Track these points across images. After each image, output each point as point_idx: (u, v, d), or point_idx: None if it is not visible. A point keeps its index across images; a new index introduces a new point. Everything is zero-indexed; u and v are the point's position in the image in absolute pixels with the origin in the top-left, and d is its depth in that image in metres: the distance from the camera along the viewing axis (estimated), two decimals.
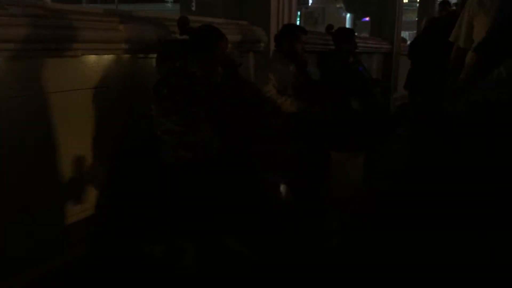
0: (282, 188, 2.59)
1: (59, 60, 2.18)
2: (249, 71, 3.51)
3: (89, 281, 2.15)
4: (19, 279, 2.06)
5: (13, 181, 2.04)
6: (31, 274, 2.11)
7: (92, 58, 2.37)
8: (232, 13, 3.80)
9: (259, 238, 2.43)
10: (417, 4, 12.30)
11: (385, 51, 6.85)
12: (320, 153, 3.08)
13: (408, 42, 11.29)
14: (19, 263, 2.08)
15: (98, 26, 2.34)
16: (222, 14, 3.70)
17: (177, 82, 2.29)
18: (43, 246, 2.18)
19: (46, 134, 2.17)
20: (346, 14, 19.66)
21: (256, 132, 2.54)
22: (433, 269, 2.30)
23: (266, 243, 2.42)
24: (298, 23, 9.06)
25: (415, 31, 12.22)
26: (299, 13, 14.56)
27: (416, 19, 11.50)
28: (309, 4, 17.77)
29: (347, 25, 16.94)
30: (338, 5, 17.91)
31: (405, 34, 11.72)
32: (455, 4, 5.05)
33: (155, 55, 2.56)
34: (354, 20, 19.08)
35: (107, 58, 2.46)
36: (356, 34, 4.46)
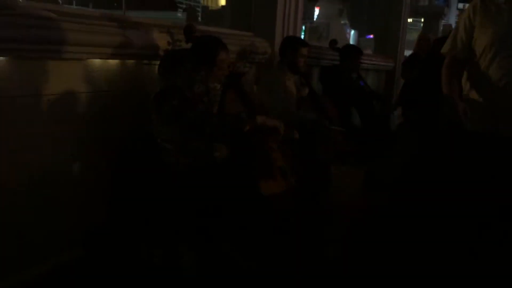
0: (282, 195, 2.59)
1: (64, 63, 2.20)
2: (252, 82, 3.53)
3: (87, 283, 2.14)
4: (16, 279, 2.05)
5: (13, 181, 2.04)
6: (28, 275, 2.10)
7: (96, 62, 2.38)
8: (238, 24, 3.84)
9: (258, 246, 2.43)
10: (421, 24, 12.40)
11: (388, 68, 6.89)
12: (321, 164, 3.08)
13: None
14: (16, 263, 2.07)
15: (104, 30, 2.36)
16: (228, 24, 3.73)
17: (177, 104, 2.27)
18: (41, 247, 2.17)
19: (48, 135, 2.17)
20: (350, 31, 19.80)
21: (257, 140, 2.54)
22: (433, 279, 2.29)
23: (265, 251, 2.42)
24: (302, 37, 9.12)
25: None
26: (304, 27, 14.66)
27: None
28: (314, 19, 17.91)
29: (351, 42, 17.06)
30: (343, 21, 18.04)
31: (408, 52, 11.79)
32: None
33: (158, 64, 2.58)
34: (358, 36, 19.21)
35: (112, 63, 2.47)
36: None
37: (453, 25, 10.50)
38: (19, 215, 2.08)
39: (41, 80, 2.11)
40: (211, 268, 2.27)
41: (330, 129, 3.28)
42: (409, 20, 9.87)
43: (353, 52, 4.18)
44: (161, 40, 2.63)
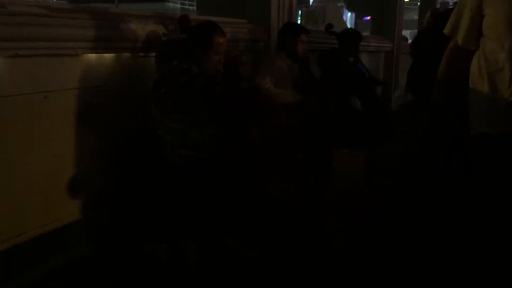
0: (285, 188, 2.59)
1: (59, 59, 2.18)
2: (249, 70, 3.51)
3: (92, 280, 2.16)
4: (22, 278, 2.06)
5: (13, 180, 2.04)
6: (34, 273, 2.11)
7: (92, 56, 2.36)
8: (233, 12, 3.80)
9: (261, 238, 2.43)
10: (418, 3, 12.28)
11: (386, 49, 6.84)
12: (322, 152, 3.08)
13: (409, 41, 11.27)
14: (21, 262, 2.08)
15: (98, 24, 2.34)
16: (223, 13, 3.70)
17: (175, 80, 2.28)
18: (46, 245, 2.18)
19: (45, 132, 2.16)
20: (347, 13, 19.65)
21: (258, 131, 2.53)
22: (436, 271, 2.29)
23: (268, 243, 2.42)
24: (299, 22, 9.04)
25: (416, 30, 12.20)
26: (299, 12, 14.55)
27: (417, 17, 11.48)
28: (310, 3, 17.76)
29: (348, 24, 16.92)
30: (339, 4, 17.89)
31: (406, 33, 11.69)
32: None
33: (155, 54, 2.56)
34: (355, 19, 19.07)
35: (108, 57, 2.46)
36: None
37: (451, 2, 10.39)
38: (20, 214, 2.08)
39: (36, 78, 2.09)
40: (215, 260, 2.28)
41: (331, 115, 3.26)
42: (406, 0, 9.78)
43: (353, 36, 4.15)
44: (156, 32, 2.61)
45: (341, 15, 17.26)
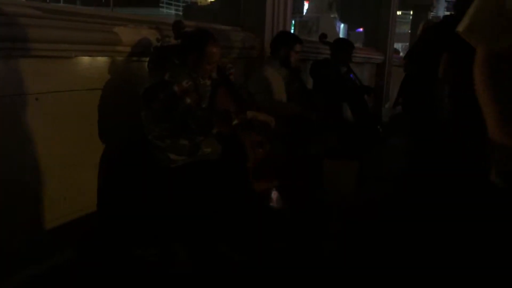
0: (276, 193, 2.59)
1: (52, 61, 2.17)
2: (242, 78, 3.52)
3: (80, 284, 2.13)
4: (8, 282, 2.03)
5: (4, 182, 2.02)
6: (20, 277, 2.08)
7: (85, 59, 2.36)
8: (227, 20, 3.82)
9: (252, 242, 2.43)
10: (410, 17, 12.45)
11: (378, 61, 6.91)
12: (313, 159, 3.09)
13: (401, 54, 11.40)
14: (7, 265, 2.05)
15: (93, 28, 2.34)
16: (218, 20, 3.72)
17: (165, 99, 2.25)
18: (33, 248, 2.15)
19: (38, 134, 2.15)
20: (340, 24, 19.79)
21: (249, 137, 2.53)
22: (429, 273, 2.30)
23: (260, 247, 2.42)
24: (292, 31, 9.09)
25: (407, 43, 12.33)
26: (293, 22, 14.63)
27: (409, 31, 11.62)
28: (304, 14, 17.88)
29: (341, 35, 17.05)
30: (332, 15, 18.03)
31: (398, 45, 11.83)
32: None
33: (148, 60, 2.56)
34: (348, 30, 19.21)
35: (101, 60, 2.45)
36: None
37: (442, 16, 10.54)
38: (7, 217, 2.06)
39: (28, 79, 2.08)
40: (205, 264, 2.27)
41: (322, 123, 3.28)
42: (398, 12, 9.89)
43: (345, 45, 4.19)
44: (150, 37, 2.61)
45: (334, 26, 17.40)
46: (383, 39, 6.96)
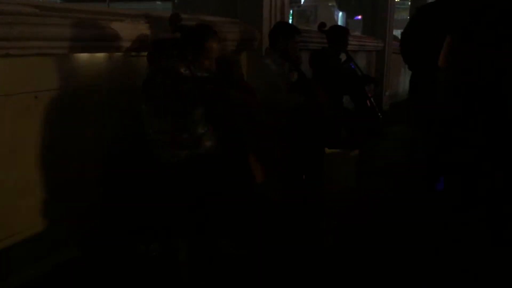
0: (276, 186, 2.59)
1: (50, 58, 2.17)
2: (242, 70, 3.51)
3: (84, 281, 2.14)
4: (15, 279, 2.04)
5: (5, 181, 2.02)
6: (26, 274, 2.09)
7: (83, 56, 2.35)
8: (225, 11, 3.79)
9: (253, 236, 2.43)
10: (409, 2, 12.36)
11: (377, 49, 6.87)
12: (314, 150, 3.09)
13: None
14: (14, 263, 2.06)
15: (90, 24, 2.33)
16: (215, 12, 3.69)
17: (164, 82, 2.26)
18: (37, 246, 2.16)
19: (37, 133, 2.15)
20: (338, 13, 19.67)
21: (250, 130, 2.53)
22: (428, 267, 2.30)
23: (260, 241, 2.43)
24: (290, 21, 9.04)
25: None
26: (291, 11, 14.55)
27: (408, 17, 11.53)
28: (301, 3, 17.77)
29: (339, 23, 16.96)
30: (330, 4, 17.92)
31: (397, 32, 11.76)
32: None
33: (147, 54, 2.55)
34: (346, 18, 19.09)
35: (99, 56, 2.44)
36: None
37: None
38: (13, 215, 2.06)
39: (27, 77, 2.08)
40: (206, 260, 2.28)
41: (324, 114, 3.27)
42: None
43: (339, 32, 4.15)
44: (148, 31, 2.60)
45: (332, 15, 17.30)
46: (381, 26, 6.92)
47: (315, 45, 4.39)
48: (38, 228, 2.18)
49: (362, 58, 6.31)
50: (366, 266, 2.34)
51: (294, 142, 2.87)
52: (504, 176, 1.93)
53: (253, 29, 3.61)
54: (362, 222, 2.83)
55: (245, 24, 3.61)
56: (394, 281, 2.23)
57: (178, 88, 2.25)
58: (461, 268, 2.23)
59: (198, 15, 3.22)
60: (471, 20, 1.76)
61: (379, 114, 4.27)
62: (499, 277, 2.09)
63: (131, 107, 2.50)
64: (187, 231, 2.32)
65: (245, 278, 2.20)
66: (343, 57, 4.23)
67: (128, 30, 2.50)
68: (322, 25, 4.27)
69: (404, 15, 15.42)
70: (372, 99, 4.27)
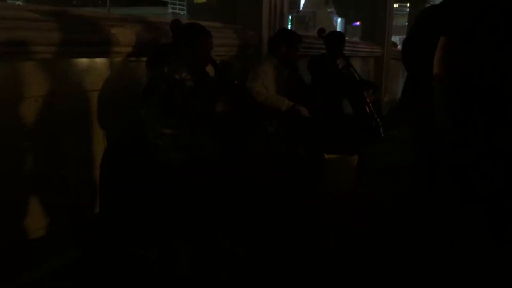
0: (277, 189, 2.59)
1: (50, 63, 2.17)
2: (241, 74, 3.52)
3: (83, 284, 2.14)
4: (13, 281, 2.04)
5: (5, 184, 2.02)
6: (24, 277, 2.08)
7: (83, 61, 2.36)
8: (224, 17, 3.81)
9: (254, 238, 2.44)
10: (407, 9, 12.43)
11: (376, 55, 6.90)
12: (313, 154, 3.09)
13: (399, 47, 11.33)
14: (12, 265, 2.05)
15: (90, 29, 2.34)
16: (214, 17, 3.71)
17: (165, 89, 2.28)
18: (36, 248, 2.16)
19: (38, 137, 2.15)
20: (337, 18, 19.76)
21: (250, 133, 2.54)
22: (429, 268, 2.30)
23: (261, 243, 2.43)
24: (289, 27, 9.08)
25: (405, 36, 12.31)
26: (290, 17, 14.60)
27: (407, 23, 11.60)
28: (300, 9, 17.84)
29: (338, 29, 17.03)
30: (329, 10, 18.00)
31: (395, 38, 11.82)
32: None
33: (146, 59, 2.56)
34: (345, 24, 19.17)
35: (99, 61, 2.45)
36: (347, 38, 4.47)
37: None
38: (9, 218, 2.06)
39: (28, 82, 2.08)
40: (206, 261, 2.28)
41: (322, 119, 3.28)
42: (395, 5, 9.88)
43: (336, 37, 4.18)
44: (147, 37, 2.61)
45: (331, 21, 17.38)
46: (380, 33, 6.94)
47: (314, 51, 4.41)
48: (37, 231, 2.18)
49: (360, 63, 6.33)
50: (366, 268, 2.34)
51: (293, 145, 2.88)
52: (504, 176, 1.90)
53: (253, 34, 3.62)
54: (363, 224, 2.83)
55: (244, 29, 3.62)
56: (394, 282, 2.23)
57: (176, 93, 2.27)
58: (462, 268, 2.23)
59: (198, 21, 3.23)
60: (472, 21, 1.68)
61: (378, 119, 4.28)
62: (500, 276, 2.09)
63: (131, 111, 2.51)
64: (187, 234, 2.32)
65: (245, 279, 2.20)
66: (341, 62, 4.25)
67: (128, 35, 2.51)
68: (321, 31, 4.29)
69: (402, 21, 15.51)
70: (370, 104, 4.28)
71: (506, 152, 1.80)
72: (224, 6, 3.97)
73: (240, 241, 2.39)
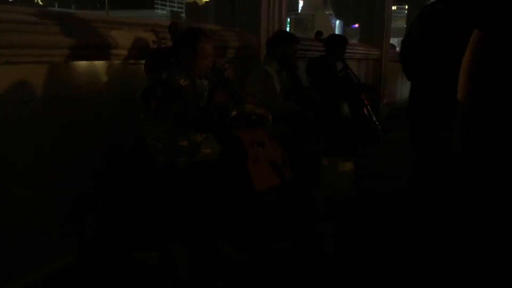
0: (275, 193, 2.59)
1: (49, 66, 2.18)
2: (240, 77, 3.53)
3: None
4: (9, 286, 2.04)
5: (2, 185, 2.02)
6: (21, 281, 2.08)
7: (82, 64, 2.36)
8: (223, 20, 3.83)
9: (252, 241, 2.44)
10: (406, 11, 12.45)
11: (374, 57, 6.91)
12: (311, 157, 3.10)
13: (397, 49, 11.32)
14: (8, 269, 2.05)
15: (88, 32, 2.34)
16: (213, 20, 3.72)
17: (162, 96, 2.27)
18: (34, 252, 2.16)
19: (37, 140, 2.15)
20: (335, 21, 19.82)
21: (247, 136, 2.54)
22: (427, 271, 2.31)
23: (259, 247, 2.43)
24: (288, 29, 9.10)
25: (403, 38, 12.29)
26: (289, 19, 14.64)
27: (405, 25, 11.62)
28: (299, 11, 17.89)
29: (337, 31, 17.07)
30: (327, 12, 18.05)
31: (394, 40, 11.84)
32: None
33: (144, 62, 2.56)
34: (343, 26, 19.23)
35: (98, 64, 2.45)
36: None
37: None
38: (11, 221, 2.06)
39: (26, 85, 2.09)
40: (205, 265, 2.28)
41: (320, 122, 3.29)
42: (393, 7, 9.89)
43: (339, 41, 4.20)
44: (146, 39, 2.62)
45: (329, 23, 17.43)
46: (378, 35, 6.96)
47: (312, 53, 4.42)
48: (35, 233, 2.17)
49: (359, 66, 6.35)
50: (364, 272, 2.34)
51: (290, 148, 2.88)
52: None
53: (251, 37, 3.63)
54: (361, 226, 2.83)
55: (243, 32, 3.63)
56: (392, 285, 2.23)
57: (174, 100, 2.27)
58: (463, 269, 2.23)
59: (197, 23, 3.24)
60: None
61: (376, 122, 4.30)
62: None
63: (129, 114, 2.51)
64: (185, 238, 2.32)
65: (244, 282, 2.20)
66: (339, 65, 4.27)
67: (127, 38, 2.52)
68: (318, 33, 4.31)
69: (401, 24, 15.53)
70: (369, 107, 4.30)
71: None
72: (222, 8, 3.98)
73: (238, 245, 2.40)
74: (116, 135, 2.54)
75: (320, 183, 3.11)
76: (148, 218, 2.34)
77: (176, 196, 2.29)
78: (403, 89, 8.38)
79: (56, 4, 23.44)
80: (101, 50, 2.41)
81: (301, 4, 18.15)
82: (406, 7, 11.91)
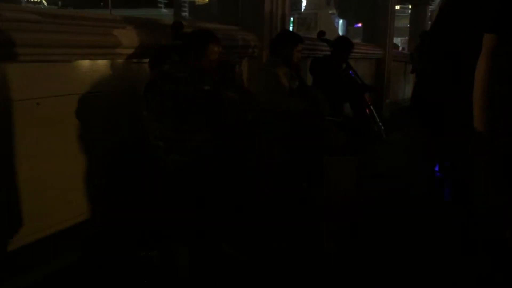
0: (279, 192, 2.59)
1: (52, 65, 2.18)
2: (243, 76, 3.53)
3: (84, 287, 2.14)
4: (13, 284, 2.05)
5: (6, 186, 2.03)
6: (25, 280, 2.09)
7: (85, 63, 2.36)
8: (226, 19, 3.82)
9: (254, 241, 2.44)
10: (409, 11, 12.43)
11: (377, 57, 6.90)
12: (314, 157, 3.10)
13: (400, 49, 11.33)
14: (11, 268, 2.06)
15: (92, 31, 2.34)
16: (216, 19, 3.72)
17: (164, 86, 2.29)
18: (37, 251, 2.16)
19: (40, 138, 2.16)
20: (339, 20, 19.80)
21: (251, 135, 2.54)
22: (427, 271, 2.30)
23: (261, 247, 2.43)
24: (291, 29, 9.10)
25: (406, 38, 12.30)
26: (292, 19, 14.62)
27: (408, 25, 11.60)
28: (302, 10, 17.87)
29: (340, 31, 17.06)
30: (331, 11, 18.02)
31: (397, 40, 11.82)
32: None
33: (148, 60, 2.57)
34: (347, 26, 19.22)
35: (101, 63, 2.46)
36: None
37: None
38: (11, 220, 2.07)
39: (30, 84, 2.09)
40: (207, 264, 2.28)
41: (324, 120, 3.29)
42: (397, 7, 9.88)
43: (346, 44, 4.20)
44: (149, 38, 2.62)
45: (332, 22, 17.40)
46: (382, 34, 6.95)
47: (316, 52, 4.42)
48: (37, 233, 2.18)
49: (362, 65, 6.33)
50: (365, 271, 2.34)
51: (294, 147, 2.88)
52: None
53: (254, 36, 3.63)
54: (362, 226, 2.83)
55: (246, 31, 3.63)
56: (393, 284, 2.23)
57: (176, 90, 2.27)
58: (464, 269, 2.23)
59: (200, 22, 3.24)
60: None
61: (379, 121, 4.29)
62: None
63: (132, 113, 2.51)
64: (187, 237, 2.32)
65: (244, 282, 2.20)
66: (342, 65, 4.26)
67: (130, 37, 2.52)
68: (321, 33, 4.31)
69: (404, 23, 15.51)
70: (371, 106, 4.30)
71: None
72: (226, 7, 3.98)
73: (240, 245, 2.40)
74: (119, 133, 2.54)
75: (322, 183, 3.11)
76: (150, 217, 2.34)
77: (177, 195, 2.29)
78: (405, 88, 8.37)
79: (59, 3, 23.50)
80: (104, 49, 2.41)
81: (304, 3, 18.13)
82: (410, 6, 11.90)
